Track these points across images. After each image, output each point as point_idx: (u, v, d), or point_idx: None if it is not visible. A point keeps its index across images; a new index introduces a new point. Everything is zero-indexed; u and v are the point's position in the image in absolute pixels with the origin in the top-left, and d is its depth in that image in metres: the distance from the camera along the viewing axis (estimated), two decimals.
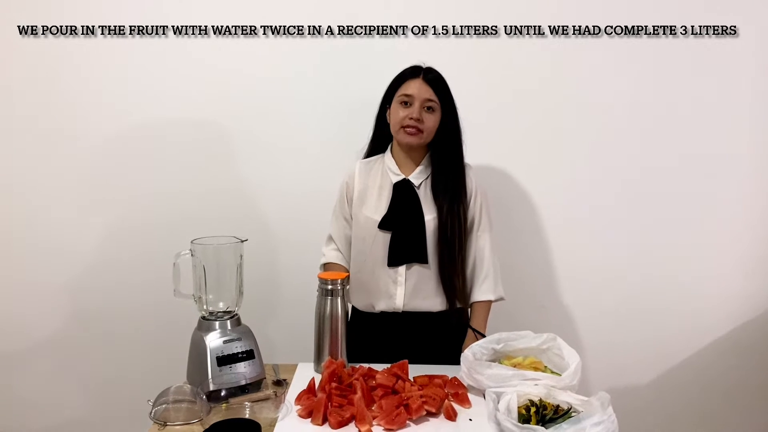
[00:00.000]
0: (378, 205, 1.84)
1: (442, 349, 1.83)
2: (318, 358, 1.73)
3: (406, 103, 1.77)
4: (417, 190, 1.83)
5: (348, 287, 1.81)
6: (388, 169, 1.87)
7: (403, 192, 1.83)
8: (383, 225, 1.80)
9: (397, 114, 1.78)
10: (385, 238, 1.81)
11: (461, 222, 1.82)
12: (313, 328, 1.72)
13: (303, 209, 2.31)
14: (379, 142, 1.93)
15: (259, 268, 2.36)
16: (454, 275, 1.83)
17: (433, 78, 1.79)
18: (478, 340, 1.77)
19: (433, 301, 1.84)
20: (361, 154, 1.96)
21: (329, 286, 1.69)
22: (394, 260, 1.81)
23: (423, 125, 1.76)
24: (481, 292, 1.88)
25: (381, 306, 1.86)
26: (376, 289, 1.85)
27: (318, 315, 1.71)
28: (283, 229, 2.37)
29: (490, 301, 1.90)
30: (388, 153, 1.89)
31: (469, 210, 1.85)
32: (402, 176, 1.84)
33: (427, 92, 1.77)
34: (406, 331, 1.85)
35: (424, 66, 1.82)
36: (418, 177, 1.84)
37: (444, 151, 1.84)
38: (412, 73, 1.80)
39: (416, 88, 1.77)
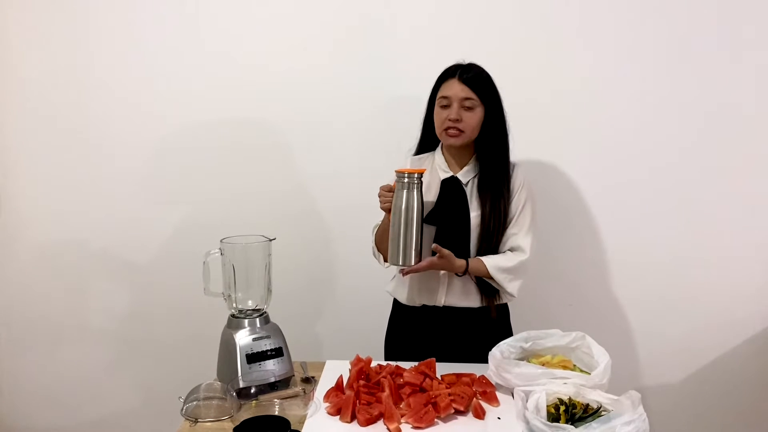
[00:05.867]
0: (426, 201, 1.84)
1: (479, 346, 1.82)
2: (395, 252, 1.72)
3: (444, 105, 1.79)
4: (465, 188, 1.84)
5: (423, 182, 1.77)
6: (438, 167, 1.88)
7: (451, 189, 1.84)
8: (429, 219, 1.81)
9: (438, 117, 1.81)
10: (430, 232, 1.82)
11: (502, 217, 1.82)
12: (391, 224, 1.72)
13: (354, 209, 2.30)
14: (427, 142, 1.94)
15: (311, 267, 2.42)
16: None
17: (470, 77, 1.78)
18: (451, 262, 1.75)
19: (473, 297, 1.86)
20: (409, 154, 1.97)
21: (406, 179, 1.68)
22: (434, 252, 1.81)
23: (463, 125, 1.77)
24: (488, 258, 1.80)
25: (422, 300, 1.88)
26: (418, 283, 1.87)
27: (395, 208, 1.70)
28: (338, 228, 2.39)
29: (486, 267, 1.79)
30: (438, 150, 1.91)
31: (512, 206, 1.84)
32: (450, 173, 1.86)
33: (464, 91, 1.77)
34: (445, 326, 1.87)
35: (463, 64, 1.82)
36: (466, 175, 1.85)
37: (489, 147, 1.83)
38: (449, 74, 1.81)
39: (453, 88, 1.78)
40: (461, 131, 1.77)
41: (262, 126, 2.34)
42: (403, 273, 1.80)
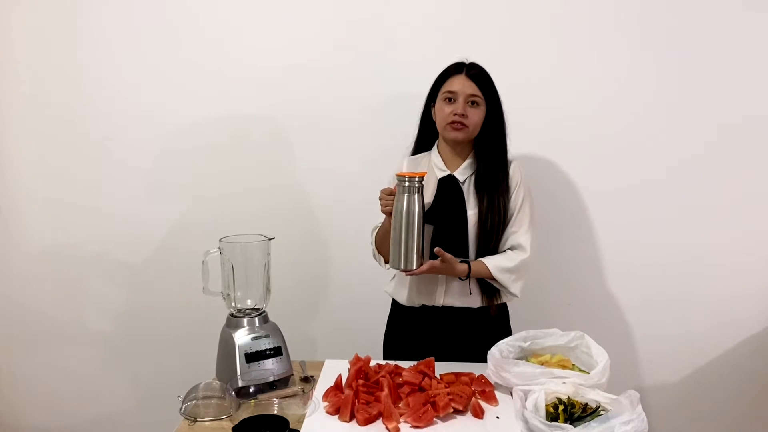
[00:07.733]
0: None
1: (477, 345, 1.82)
2: (396, 256, 1.72)
3: (450, 100, 1.79)
4: (462, 186, 1.84)
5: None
6: (434, 166, 1.88)
7: (448, 188, 1.84)
8: (427, 219, 1.79)
9: (442, 111, 1.80)
10: (430, 233, 1.81)
11: (501, 216, 1.81)
12: (392, 228, 1.71)
13: (353, 208, 2.31)
14: (425, 140, 1.94)
15: (310, 266, 2.41)
16: None
17: (476, 73, 1.80)
18: (453, 266, 1.75)
19: (472, 297, 1.85)
20: (407, 152, 1.97)
21: (407, 183, 1.68)
22: (436, 255, 1.81)
23: (468, 120, 1.77)
24: (489, 258, 1.80)
25: (422, 300, 1.88)
26: (417, 285, 1.87)
27: (396, 212, 1.70)
28: (338, 226, 2.38)
29: (488, 269, 1.79)
30: (434, 149, 1.91)
31: (510, 204, 1.84)
32: (447, 172, 1.85)
33: (471, 87, 1.78)
34: (444, 325, 1.87)
35: (467, 62, 1.83)
36: (463, 173, 1.85)
37: (488, 146, 1.84)
38: (456, 69, 1.82)
39: (460, 84, 1.78)
40: (465, 126, 1.77)
41: (261, 124, 2.34)
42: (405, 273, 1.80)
